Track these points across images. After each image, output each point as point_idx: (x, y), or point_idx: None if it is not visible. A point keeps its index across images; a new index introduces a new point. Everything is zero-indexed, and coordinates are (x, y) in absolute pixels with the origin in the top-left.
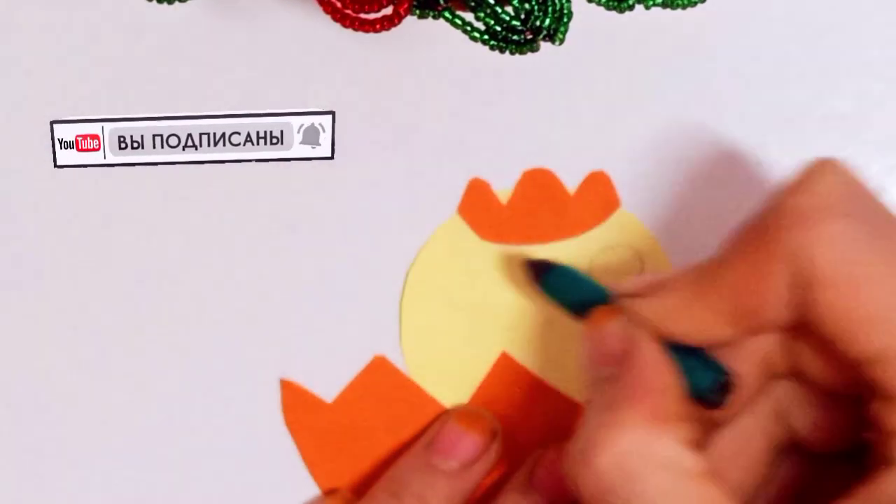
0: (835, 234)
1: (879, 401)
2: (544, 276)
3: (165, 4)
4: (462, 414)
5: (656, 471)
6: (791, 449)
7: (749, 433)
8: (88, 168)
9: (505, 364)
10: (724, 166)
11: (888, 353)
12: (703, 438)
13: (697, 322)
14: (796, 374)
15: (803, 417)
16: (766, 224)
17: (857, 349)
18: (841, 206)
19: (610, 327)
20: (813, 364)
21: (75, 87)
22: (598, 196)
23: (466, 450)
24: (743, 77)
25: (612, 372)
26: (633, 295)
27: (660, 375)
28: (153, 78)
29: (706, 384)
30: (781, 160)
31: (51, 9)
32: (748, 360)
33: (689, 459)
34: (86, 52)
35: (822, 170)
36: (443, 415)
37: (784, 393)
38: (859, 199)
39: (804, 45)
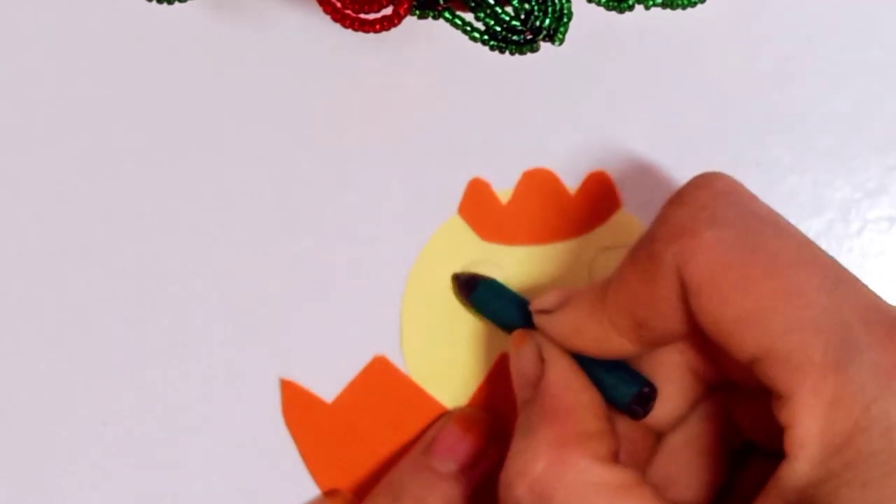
0: (707, 243)
1: (772, 399)
2: (472, 293)
3: (165, 4)
4: (461, 416)
5: (571, 492)
6: (753, 449)
7: (699, 436)
8: (87, 166)
9: (505, 364)
10: (725, 167)
11: (765, 352)
12: (645, 448)
13: (599, 336)
14: (726, 378)
15: (746, 419)
16: (652, 237)
17: (739, 352)
18: (714, 216)
19: (525, 349)
20: (730, 369)
21: (75, 87)
22: (599, 196)
23: (466, 452)
24: (743, 77)
25: (530, 395)
26: (543, 311)
27: (568, 396)
28: (153, 78)
29: (625, 396)
30: (782, 160)
31: (51, 9)
32: (673, 369)
33: (605, 474)
34: (85, 52)
35: (700, 182)
36: (442, 417)
37: (726, 396)
38: (737, 208)
39: (804, 45)
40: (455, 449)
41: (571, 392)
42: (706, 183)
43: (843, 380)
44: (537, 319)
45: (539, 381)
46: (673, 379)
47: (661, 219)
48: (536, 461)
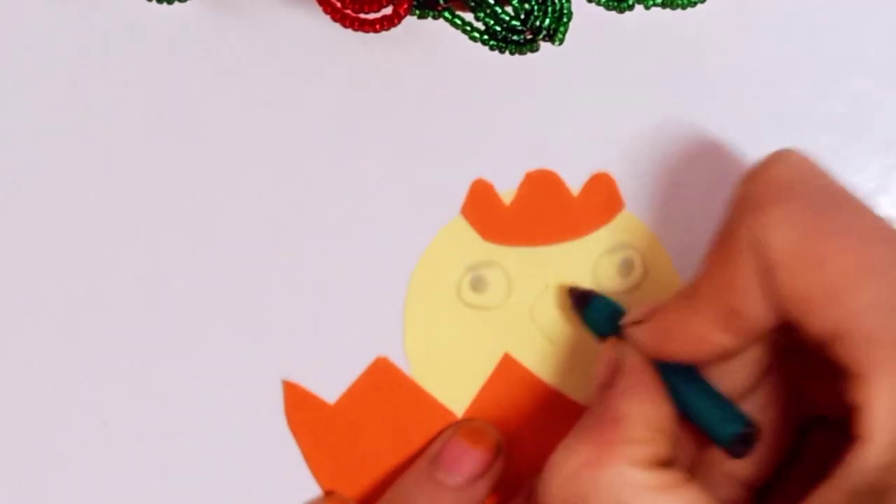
0: (784, 216)
1: (844, 379)
2: (586, 309)
3: (165, 4)
4: (467, 429)
5: (601, 492)
6: (820, 422)
7: (766, 408)
8: (87, 166)
9: (508, 366)
10: (726, 167)
11: (842, 328)
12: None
13: (691, 335)
14: (798, 348)
15: (816, 392)
16: (729, 217)
17: (816, 329)
18: (789, 190)
19: (606, 356)
20: (804, 342)
21: (75, 87)
22: (602, 197)
23: (471, 465)
24: (743, 77)
25: (597, 399)
26: (635, 322)
27: (625, 405)
28: (152, 78)
29: (727, 435)
30: None
31: (50, 9)
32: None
33: (643, 477)
34: (85, 52)
35: (772, 159)
36: (447, 429)
37: (796, 367)
38: (810, 182)
39: (804, 45)
40: (461, 461)
41: (632, 403)
42: (777, 158)
43: None
44: (629, 331)
45: (609, 387)
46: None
47: (736, 198)
48: (575, 456)
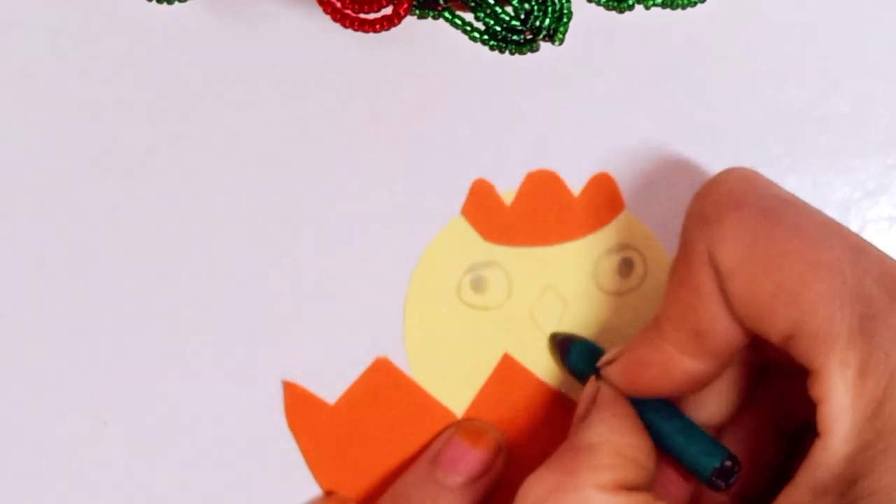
0: (734, 225)
1: (807, 377)
2: (567, 354)
3: (165, 4)
4: (467, 429)
5: None
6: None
7: (751, 428)
8: (86, 165)
9: (508, 366)
10: (725, 167)
11: (796, 326)
12: None
13: (662, 363)
14: (772, 362)
15: (796, 399)
16: (683, 237)
17: (772, 332)
18: (739, 201)
19: (584, 392)
20: (774, 353)
21: (74, 87)
22: (603, 198)
23: (471, 465)
24: (743, 77)
25: (573, 432)
26: (608, 362)
27: (595, 435)
28: (152, 78)
29: (706, 469)
30: (782, 160)
31: (50, 9)
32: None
33: (607, 499)
34: (85, 52)
35: (722, 175)
36: (447, 429)
37: (776, 379)
38: (760, 191)
39: (804, 45)
40: (461, 462)
41: (601, 431)
42: (726, 174)
43: (868, 349)
44: (604, 371)
45: (582, 420)
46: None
47: (688, 215)
48: (543, 482)
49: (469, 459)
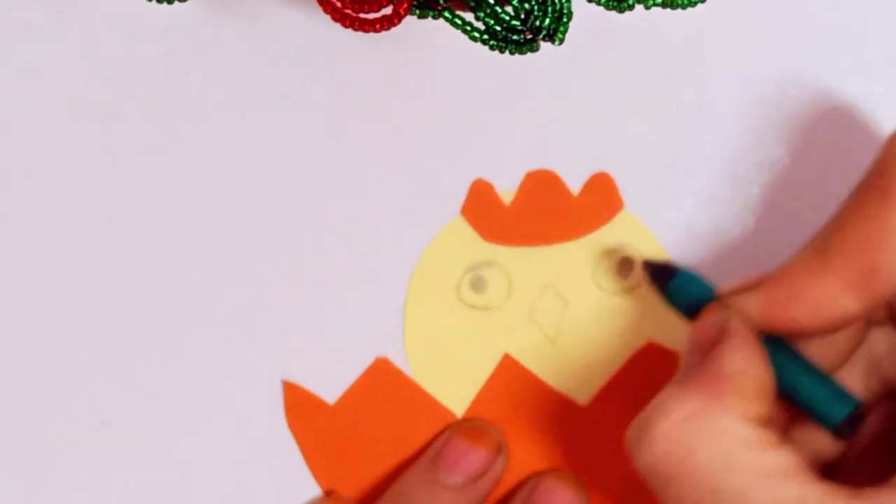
0: None
1: None
2: (668, 282)
3: (165, 4)
4: (467, 429)
5: (711, 440)
6: (885, 397)
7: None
8: (86, 165)
9: (508, 366)
10: (725, 167)
11: None
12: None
13: (819, 297)
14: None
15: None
16: (878, 173)
17: None
18: None
19: (709, 317)
20: None
21: (74, 88)
22: (602, 197)
23: (472, 465)
24: (743, 77)
25: (696, 360)
26: (742, 290)
27: (737, 362)
28: (153, 78)
29: (838, 415)
30: (782, 160)
31: (50, 9)
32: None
33: (750, 432)
34: (85, 52)
35: None
36: (448, 429)
37: (877, 342)
38: None
39: (804, 45)
40: (462, 461)
41: (742, 360)
42: None
43: None
44: (734, 300)
45: (714, 346)
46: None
47: (885, 154)
48: (687, 402)
49: (469, 459)
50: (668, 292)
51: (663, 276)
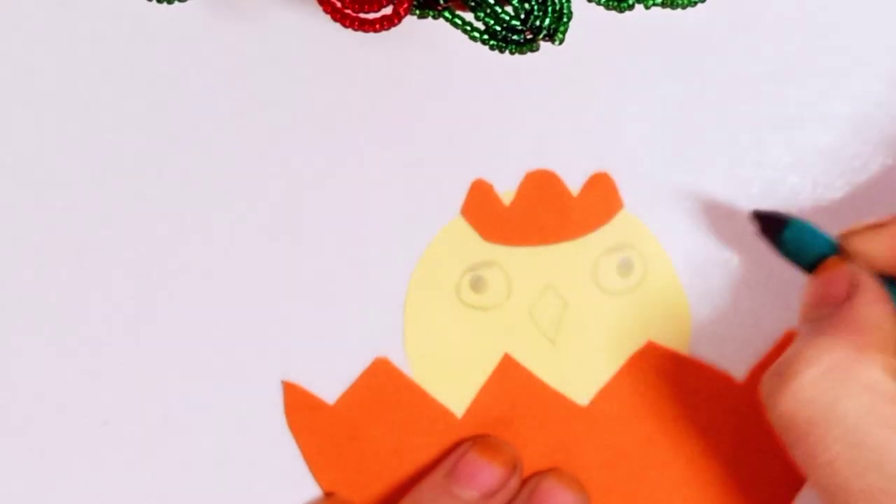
0: None
1: None
2: (780, 233)
3: (165, 4)
4: (483, 444)
5: (856, 391)
6: None
7: None
8: (86, 165)
9: (508, 366)
10: (725, 167)
11: None
12: None
13: None
14: None
15: None
16: None
17: None
18: None
19: (835, 271)
20: None
21: (74, 88)
22: (601, 197)
23: (487, 480)
24: (743, 77)
25: (828, 313)
26: (867, 230)
27: (874, 313)
28: (153, 78)
29: None
30: (782, 160)
31: (50, 9)
32: None
33: (889, 386)
34: (85, 52)
35: None
36: (463, 444)
37: None
38: None
39: (804, 45)
40: (476, 476)
41: (881, 314)
42: None
43: None
44: (857, 241)
45: (844, 300)
46: None
47: None
48: (832, 352)
49: (485, 475)
50: (781, 244)
51: (775, 228)
